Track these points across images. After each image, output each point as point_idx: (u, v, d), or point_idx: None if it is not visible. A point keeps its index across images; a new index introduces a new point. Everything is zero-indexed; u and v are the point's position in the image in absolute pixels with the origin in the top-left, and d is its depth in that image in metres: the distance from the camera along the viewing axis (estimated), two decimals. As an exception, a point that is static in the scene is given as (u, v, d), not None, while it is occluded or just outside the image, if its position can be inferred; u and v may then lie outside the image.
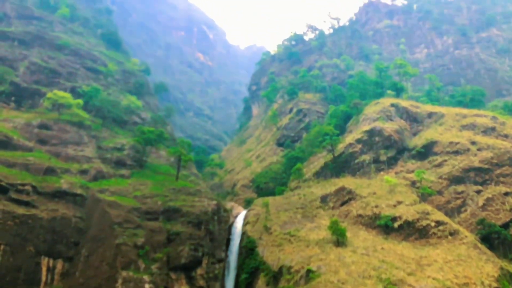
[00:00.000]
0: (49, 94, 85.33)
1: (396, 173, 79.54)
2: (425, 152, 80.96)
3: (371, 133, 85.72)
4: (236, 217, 77.17)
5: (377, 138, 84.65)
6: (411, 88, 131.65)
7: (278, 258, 61.09)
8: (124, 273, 57.19)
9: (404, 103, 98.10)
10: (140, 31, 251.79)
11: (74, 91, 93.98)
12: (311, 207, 74.53)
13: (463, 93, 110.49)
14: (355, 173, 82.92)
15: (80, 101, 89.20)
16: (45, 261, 60.46)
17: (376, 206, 68.38)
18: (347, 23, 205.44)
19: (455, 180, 72.78)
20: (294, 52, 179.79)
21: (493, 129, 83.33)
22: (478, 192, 69.87)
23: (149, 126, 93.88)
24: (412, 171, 77.33)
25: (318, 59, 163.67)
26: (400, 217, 64.94)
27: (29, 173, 67.71)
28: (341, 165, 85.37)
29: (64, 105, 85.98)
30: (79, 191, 68.75)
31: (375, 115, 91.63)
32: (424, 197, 70.90)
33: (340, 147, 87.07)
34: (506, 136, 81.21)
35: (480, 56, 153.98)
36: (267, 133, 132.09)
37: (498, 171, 71.43)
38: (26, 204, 62.92)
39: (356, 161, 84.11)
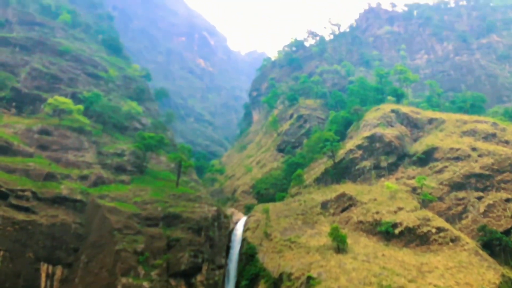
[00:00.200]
0: (50, 100, 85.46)
1: (396, 179, 79.35)
2: (426, 158, 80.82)
3: (372, 139, 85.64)
4: (236, 223, 76.91)
5: (377, 144, 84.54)
6: (411, 94, 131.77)
7: (278, 264, 60.80)
8: (123, 280, 56.92)
9: (404, 109, 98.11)
10: (141, 37, 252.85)
11: (75, 97, 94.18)
12: (312, 214, 74.29)
13: (463, 99, 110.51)
14: (355, 179, 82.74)
15: (80, 106, 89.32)
16: (44, 267, 60.20)
17: (377, 213, 68.16)
18: (348, 29, 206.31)
19: (456, 186, 72.58)
20: (295, 58, 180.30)
21: (493, 135, 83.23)
22: (479, 198, 69.65)
23: (149, 131, 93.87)
24: (413, 177, 77.14)
25: (318, 65, 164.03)
26: (401, 224, 64.70)
27: (29, 178, 67.64)
28: (341, 171, 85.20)
29: (65, 111, 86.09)
30: (79, 197, 68.63)
31: (375, 121, 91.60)
32: (425, 203, 70.66)
33: (341, 153, 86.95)
34: (507, 142, 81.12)
35: (480, 62, 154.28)
36: (268, 139, 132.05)
37: (499, 177, 71.23)
38: (26, 210, 62.78)
39: (357, 167, 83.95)
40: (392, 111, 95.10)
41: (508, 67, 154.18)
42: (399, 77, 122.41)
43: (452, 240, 61.28)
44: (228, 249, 70.65)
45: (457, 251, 59.45)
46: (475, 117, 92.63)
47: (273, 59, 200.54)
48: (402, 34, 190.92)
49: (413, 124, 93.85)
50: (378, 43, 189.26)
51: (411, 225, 63.80)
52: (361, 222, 68.48)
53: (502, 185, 70.29)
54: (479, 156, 75.76)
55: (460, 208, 69.86)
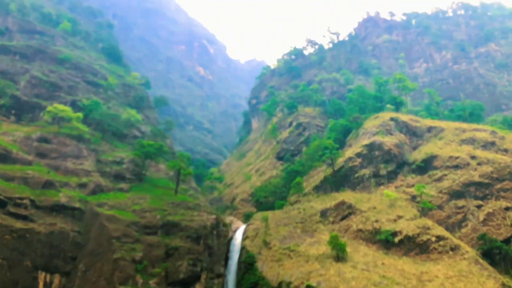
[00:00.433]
0: (49, 108, 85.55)
1: (396, 187, 79.25)
2: (425, 166, 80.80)
3: (371, 147, 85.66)
4: (235, 231, 76.56)
5: (377, 152, 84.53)
6: (410, 102, 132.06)
7: (277, 273, 60.43)
8: (121, 289, 56.43)
9: (403, 117, 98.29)
10: (141, 45, 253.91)
11: (74, 105, 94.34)
12: (311, 222, 74.04)
13: (462, 107, 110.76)
14: (355, 187, 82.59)
15: (80, 114, 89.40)
16: (42, 276, 59.79)
17: (376, 221, 67.96)
18: (347, 38, 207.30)
19: (456, 194, 72.48)
20: (294, 66, 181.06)
21: (492, 143, 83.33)
22: (479, 207, 69.52)
23: (148, 139, 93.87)
24: (412, 186, 77.05)
25: (317, 73, 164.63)
26: (400, 232, 64.50)
27: (27, 186, 67.48)
28: (341, 179, 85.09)
29: (64, 119, 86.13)
30: (77, 205, 68.40)
31: (374, 129, 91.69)
32: (424, 211, 70.51)
33: (340, 161, 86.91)
34: (506, 150, 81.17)
35: (479, 70, 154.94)
36: (267, 146, 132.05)
37: (498, 186, 71.18)
38: (24, 218, 62.54)
39: (356, 175, 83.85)
40: (391, 119, 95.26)
41: (506, 76, 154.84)
42: (398, 85, 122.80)
43: (452, 249, 61.06)
44: (227, 257, 70.26)
45: (457, 260, 59.21)
46: (474, 126, 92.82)
47: (272, 67, 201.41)
48: (401, 43, 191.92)
49: (412, 132, 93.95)
50: (377, 51, 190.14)
51: (410, 234, 63.60)
52: (360, 230, 68.25)
53: (502, 193, 70.20)
54: (478, 164, 75.77)
55: (459, 216, 69.70)
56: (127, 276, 58.10)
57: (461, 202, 71.13)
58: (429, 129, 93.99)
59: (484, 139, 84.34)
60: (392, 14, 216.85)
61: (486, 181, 72.02)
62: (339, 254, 60.12)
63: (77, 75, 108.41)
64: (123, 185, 78.88)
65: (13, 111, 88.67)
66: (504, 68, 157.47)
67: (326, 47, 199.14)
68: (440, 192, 73.78)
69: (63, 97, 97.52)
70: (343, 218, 72.76)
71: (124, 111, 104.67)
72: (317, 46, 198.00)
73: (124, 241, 62.09)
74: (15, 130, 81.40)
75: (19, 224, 60.97)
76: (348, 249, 61.44)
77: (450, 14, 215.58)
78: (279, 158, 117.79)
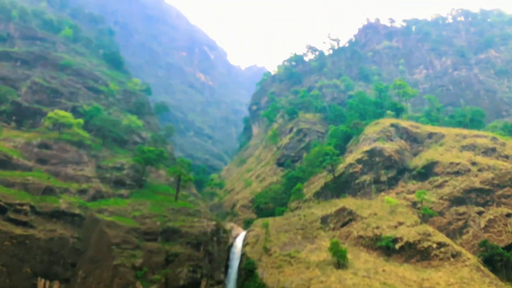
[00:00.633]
0: (50, 114, 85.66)
1: (396, 193, 79.11)
2: (426, 172, 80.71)
3: (372, 153, 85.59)
4: (235, 238, 76.35)
5: (377, 158, 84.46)
6: (410, 108, 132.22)
7: (278, 280, 60.15)
8: (121, 295, 56.15)
9: (404, 123, 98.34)
10: (142, 51, 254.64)
11: (75, 111, 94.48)
12: (312, 228, 73.82)
13: (462, 113, 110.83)
14: (355, 194, 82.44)
15: (80, 120, 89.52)
16: (41, 283, 59.50)
17: (377, 227, 67.75)
18: (347, 44, 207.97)
19: (456, 201, 72.31)
20: (294, 72, 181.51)
21: (493, 149, 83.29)
22: (480, 213, 69.34)
23: (149, 145, 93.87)
24: (413, 192, 76.91)
25: (318, 80, 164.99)
26: (401, 239, 64.29)
27: (28, 192, 67.37)
28: (341, 186, 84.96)
29: (65, 125, 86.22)
30: (77, 211, 68.25)
31: (375, 135, 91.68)
32: (425, 218, 70.30)
33: (341, 167, 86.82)
34: (506, 157, 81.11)
35: (479, 77, 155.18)
36: (267, 152, 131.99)
37: (499, 192, 71.03)
38: (24, 224, 62.38)
39: (357, 181, 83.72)
40: (392, 125, 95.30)
41: (506, 82, 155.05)
42: (398, 91, 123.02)
43: (453, 256, 60.80)
44: (227, 264, 69.99)
45: (458, 266, 58.92)
46: (474, 132, 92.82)
47: (272, 73, 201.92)
48: (401, 49, 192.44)
49: (413, 139, 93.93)
50: (377, 58, 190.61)
51: (411, 240, 63.38)
52: (361, 237, 68.02)
53: (503, 200, 70.06)
54: (479, 170, 75.67)
55: (460, 223, 69.49)
56: (127, 283, 57.82)
57: (462, 209, 70.96)
58: (430, 135, 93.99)
59: (485, 145, 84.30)
60: (392, 21, 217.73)
61: (487, 187, 71.89)
62: (339, 261, 59.88)
63: (78, 81, 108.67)
64: (123, 191, 78.77)
65: (14, 117, 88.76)
66: (504, 75, 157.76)
67: (326, 53, 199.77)
68: (441, 198, 73.63)
69: (64, 103, 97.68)
70: (343, 225, 72.56)
71: (125, 117, 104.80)
72: (317, 53, 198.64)
73: (124, 248, 61.87)
74: (16, 136, 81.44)
75: (18, 230, 60.80)
76: (349, 256, 61.20)
77: (450, 20, 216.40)
78: (280, 164, 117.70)
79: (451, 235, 67.79)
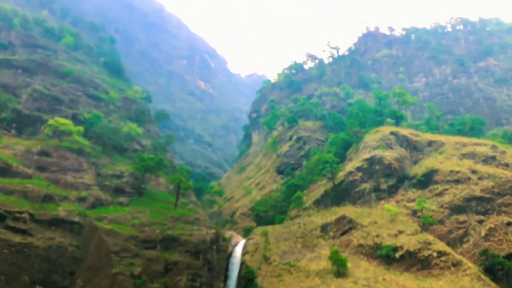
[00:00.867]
0: (50, 121, 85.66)
1: (396, 201, 78.86)
2: (426, 180, 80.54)
3: (371, 161, 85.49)
4: (235, 246, 76.01)
5: (377, 166, 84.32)
6: (410, 116, 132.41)
7: (277, 289, 59.73)
8: (120, 304, 55.69)
9: (403, 131, 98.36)
10: (142, 59, 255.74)
11: (75, 118, 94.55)
12: (311, 237, 73.50)
13: (462, 121, 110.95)
14: (355, 202, 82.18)
15: (80, 128, 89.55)
16: (39, 291, 59.07)
17: (377, 236, 67.43)
18: (346, 53, 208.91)
19: (457, 209, 72.07)
20: (294, 80, 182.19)
21: (493, 158, 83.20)
22: (480, 222, 69.05)
23: (149, 153, 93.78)
24: (413, 200, 76.67)
25: (317, 88, 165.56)
26: (401, 247, 63.93)
27: (27, 200, 67.13)
28: (341, 194, 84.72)
29: (65, 132, 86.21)
30: (76, 219, 67.96)
31: (375, 143, 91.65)
32: (425, 226, 70.02)
33: (340, 175, 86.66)
34: (506, 165, 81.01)
35: (478, 85, 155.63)
36: (267, 160, 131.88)
37: (499, 201, 70.82)
38: (23, 232, 62.06)
39: (357, 189, 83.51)
40: (392, 133, 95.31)
41: (506, 90, 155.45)
42: (398, 99, 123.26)
43: (453, 265, 60.41)
44: (226, 273, 69.58)
45: (459, 275, 58.53)
46: (474, 140, 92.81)
47: (272, 81, 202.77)
48: (401, 57, 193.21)
49: (413, 147, 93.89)
50: (377, 66, 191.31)
51: (412, 249, 63.04)
52: (361, 245, 67.67)
53: (503, 208, 69.82)
54: (479, 179, 75.52)
55: (461, 231, 69.18)
56: (126, 292, 57.32)
57: (462, 217, 70.70)
58: (430, 143, 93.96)
59: (485, 154, 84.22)
60: (391, 29, 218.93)
61: (487, 195, 71.70)
62: (339, 270, 59.53)
63: (79, 89, 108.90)
64: (122, 199, 78.55)
65: (14, 125, 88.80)
66: (503, 83, 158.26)
67: (326, 61, 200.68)
68: (441, 206, 73.40)
69: (64, 110, 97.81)
70: (343, 233, 72.24)
71: (125, 125, 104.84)
72: (317, 61, 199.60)
73: (123, 256, 61.46)
74: (16, 144, 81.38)
75: (17, 238, 60.48)
76: (349, 265, 60.85)
77: (449, 29, 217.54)
78: (279, 172, 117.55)
79: (452, 243, 67.46)
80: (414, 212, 74.24)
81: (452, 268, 59.96)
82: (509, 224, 67.09)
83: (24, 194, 68.16)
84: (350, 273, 59.40)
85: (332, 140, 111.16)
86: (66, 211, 68.28)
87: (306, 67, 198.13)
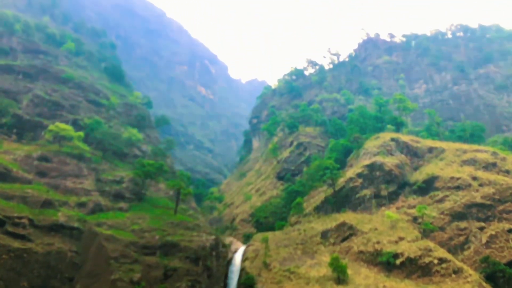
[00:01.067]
0: (50, 126, 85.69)
1: (397, 208, 78.64)
2: (426, 187, 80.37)
3: (372, 167, 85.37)
4: (235, 252, 75.71)
5: (378, 173, 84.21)
6: (410, 123, 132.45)
7: (277, 296, 59.43)
8: (118, 311, 55.39)
9: (404, 137, 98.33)
10: (143, 65, 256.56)
11: (76, 124, 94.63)
12: (312, 243, 73.23)
13: (463, 128, 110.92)
14: (356, 208, 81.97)
15: (81, 133, 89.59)
16: (38, 297, 58.73)
17: (378, 242, 67.15)
18: (347, 59, 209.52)
19: (457, 216, 71.83)
20: (295, 86, 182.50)
21: (494, 164, 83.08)
22: (481, 228, 68.79)
23: (149, 159, 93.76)
24: (414, 207, 76.43)
25: (318, 94, 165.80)
26: (402, 254, 63.61)
27: (26, 205, 66.98)
28: (341, 200, 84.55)
29: (65, 138, 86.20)
30: (76, 225, 67.75)
31: (375, 150, 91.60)
32: (426, 233, 69.75)
33: (341, 181, 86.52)
34: (507, 172, 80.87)
35: (478, 92, 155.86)
36: (267, 166, 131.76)
37: (500, 207, 70.60)
38: (22, 237, 61.85)
39: (357, 195, 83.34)
40: (392, 139, 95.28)
41: (506, 97, 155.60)
42: (398, 106, 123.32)
43: (454, 272, 60.05)
44: (226, 279, 69.25)
45: (460, 283, 58.17)
46: (475, 147, 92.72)
47: (273, 87, 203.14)
48: (401, 64, 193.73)
49: (413, 153, 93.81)
50: (377, 72, 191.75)
51: (412, 256, 62.72)
52: (361, 252, 67.39)
53: (504, 215, 69.58)
54: (480, 185, 75.35)
55: (462, 238, 68.91)
56: (125, 298, 57.04)
57: (463, 224, 70.45)
58: (430, 150, 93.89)
59: (485, 160, 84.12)
60: (391, 36, 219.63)
61: (488, 202, 71.49)
62: (340, 276, 59.26)
63: (80, 94, 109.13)
64: (122, 205, 78.40)
65: (14, 130, 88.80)
66: (504, 90, 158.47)
67: (326, 67, 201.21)
68: (442, 213, 73.17)
69: (65, 116, 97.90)
70: (344, 239, 71.98)
71: (125, 130, 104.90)
72: (317, 67, 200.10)
73: (122, 262, 61.23)
74: (16, 149, 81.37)
75: (16, 244, 60.26)
76: (349, 271, 60.57)
77: (449, 36, 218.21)
78: (280, 178, 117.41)
79: (453, 250, 67.15)
80: (414, 219, 73.99)
81: (453, 275, 59.60)
82: (510, 231, 66.80)
83: (24, 199, 68.04)
84: (351, 280, 59.12)
85: (332, 146, 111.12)
86: (65, 217, 68.14)
87: (306, 73, 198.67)
